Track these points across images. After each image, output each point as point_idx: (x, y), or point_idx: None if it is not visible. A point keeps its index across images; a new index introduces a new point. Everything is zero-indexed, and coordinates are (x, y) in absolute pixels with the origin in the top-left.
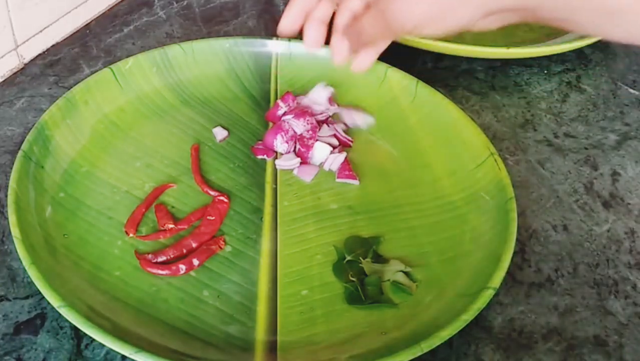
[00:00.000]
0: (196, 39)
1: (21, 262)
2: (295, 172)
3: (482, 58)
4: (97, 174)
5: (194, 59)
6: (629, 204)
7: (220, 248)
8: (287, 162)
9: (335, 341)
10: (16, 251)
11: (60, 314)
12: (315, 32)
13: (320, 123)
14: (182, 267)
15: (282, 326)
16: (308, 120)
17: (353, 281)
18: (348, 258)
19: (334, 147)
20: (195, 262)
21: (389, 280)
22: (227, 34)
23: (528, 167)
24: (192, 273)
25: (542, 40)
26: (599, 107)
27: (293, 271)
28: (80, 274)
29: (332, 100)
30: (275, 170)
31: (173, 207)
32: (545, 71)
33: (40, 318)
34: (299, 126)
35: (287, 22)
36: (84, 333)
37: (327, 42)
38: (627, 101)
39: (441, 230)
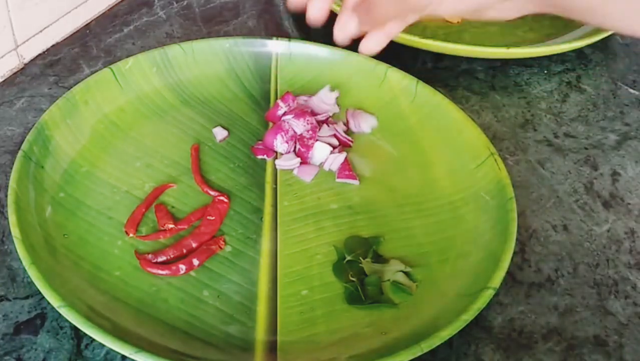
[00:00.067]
0: (196, 39)
1: (21, 262)
2: (295, 172)
3: (482, 58)
4: (97, 174)
5: (194, 59)
6: (629, 204)
7: (220, 248)
8: (287, 162)
9: (335, 341)
10: (16, 251)
11: (60, 314)
12: (319, 4)
13: (320, 123)
14: (182, 267)
15: (282, 326)
16: (308, 120)
17: (353, 281)
18: (348, 258)
19: (334, 147)
20: (195, 262)
21: (389, 280)
22: (227, 34)
23: (528, 167)
24: (192, 273)
25: (542, 40)
26: (599, 107)
27: (293, 271)
28: (80, 274)
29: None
30: (275, 170)
31: (173, 207)
32: (545, 71)
33: (40, 318)
34: (299, 126)
35: None
36: (84, 333)
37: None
38: (627, 101)
39: (441, 230)
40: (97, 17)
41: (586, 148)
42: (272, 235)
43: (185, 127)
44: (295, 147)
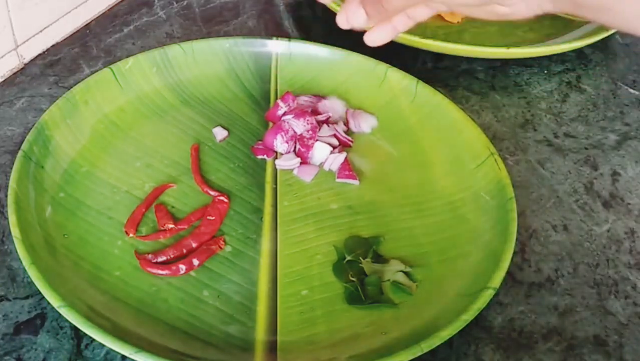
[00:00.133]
0: (196, 39)
1: (21, 262)
2: (295, 172)
3: (482, 58)
4: (97, 174)
5: (194, 59)
6: (629, 204)
7: (220, 248)
8: (287, 162)
9: (335, 341)
10: (16, 251)
11: (60, 314)
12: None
13: (320, 123)
14: (182, 267)
15: (282, 326)
16: (308, 120)
17: (353, 281)
18: (348, 258)
19: (334, 147)
20: (195, 262)
21: (389, 280)
22: (227, 34)
23: (528, 167)
24: (192, 273)
25: (542, 40)
26: (599, 107)
27: (293, 271)
28: (80, 274)
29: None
30: (275, 170)
31: (173, 207)
32: (545, 71)
33: (40, 318)
34: (299, 126)
35: None
36: (84, 333)
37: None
38: (627, 101)
39: (441, 230)
40: (97, 17)
41: (586, 148)
42: (272, 235)
43: (185, 127)
44: (295, 147)
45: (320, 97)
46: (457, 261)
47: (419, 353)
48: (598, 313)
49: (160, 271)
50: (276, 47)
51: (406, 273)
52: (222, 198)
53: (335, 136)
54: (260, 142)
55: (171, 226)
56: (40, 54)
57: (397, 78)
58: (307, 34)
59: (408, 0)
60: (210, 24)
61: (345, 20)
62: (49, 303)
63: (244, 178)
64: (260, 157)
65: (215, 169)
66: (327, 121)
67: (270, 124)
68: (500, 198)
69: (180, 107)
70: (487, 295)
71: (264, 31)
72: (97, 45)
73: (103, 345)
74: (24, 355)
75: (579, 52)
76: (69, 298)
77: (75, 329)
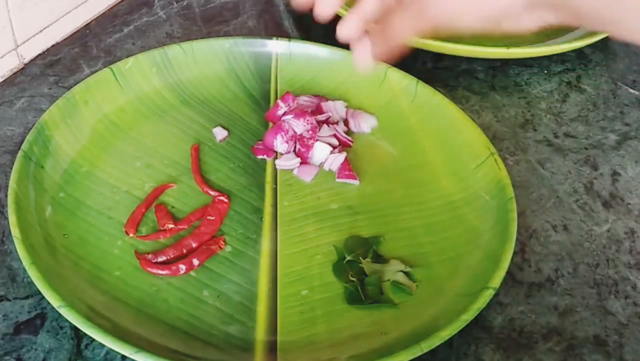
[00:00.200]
0: (196, 39)
1: (21, 262)
2: (295, 172)
3: (482, 58)
4: (97, 174)
5: (194, 59)
6: (629, 204)
7: (220, 248)
8: (287, 162)
9: (335, 341)
10: (16, 251)
11: (60, 314)
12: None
13: (320, 123)
14: (182, 267)
15: (282, 326)
16: (308, 120)
17: (353, 281)
18: (348, 258)
19: (334, 147)
20: (195, 262)
21: (389, 280)
22: (227, 34)
23: (528, 167)
24: (192, 273)
25: (542, 40)
26: (599, 107)
27: (293, 271)
28: (80, 274)
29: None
30: (275, 170)
31: (173, 207)
32: (545, 71)
33: (40, 318)
34: (299, 126)
35: None
36: (84, 333)
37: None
38: (627, 101)
39: (441, 230)
40: (97, 17)
41: (586, 148)
42: (272, 235)
43: (185, 127)
44: (295, 147)
45: (321, 97)
46: (457, 261)
47: (419, 353)
48: (598, 313)
49: (160, 271)
50: (276, 47)
51: (406, 273)
52: (222, 198)
53: (335, 136)
54: (260, 142)
55: (171, 226)
56: (40, 54)
57: (397, 78)
58: (307, 34)
59: (415, 29)
60: (210, 24)
61: (359, 53)
62: (49, 303)
63: (244, 178)
64: (260, 157)
65: (215, 169)
66: (327, 121)
67: (270, 124)
68: (500, 198)
69: (180, 107)
70: (487, 295)
71: (264, 31)
72: (97, 45)
73: (103, 345)
74: (24, 355)
75: (579, 52)
76: (69, 298)
77: (75, 329)
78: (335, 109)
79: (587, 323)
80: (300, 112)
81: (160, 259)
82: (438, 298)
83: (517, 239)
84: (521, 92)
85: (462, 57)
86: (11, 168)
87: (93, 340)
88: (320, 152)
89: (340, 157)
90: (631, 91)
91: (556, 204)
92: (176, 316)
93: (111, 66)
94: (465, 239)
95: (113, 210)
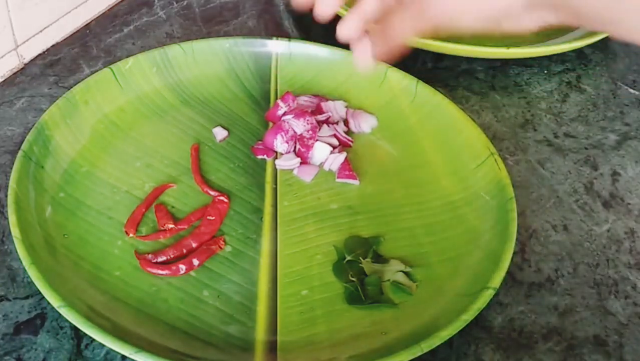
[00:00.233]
0: (196, 39)
1: (21, 262)
2: (295, 172)
3: (482, 58)
4: (97, 174)
5: (194, 59)
6: (629, 204)
7: (220, 248)
8: (287, 162)
9: (335, 341)
10: (16, 251)
11: (60, 314)
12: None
13: (320, 123)
14: (182, 267)
15: (282, 326)
16: (308, 120)
17: (353, 281)
18: (348, 258)
19: (334, 147)
20: (195, 262)
21: (389, 280)
22: (227, 34)
23: (528, 167)
24: (192, 273)
25: (542, 40)
26: (599, 107)
27: (293, 271)
28: (80, 274)
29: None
30: (275, 170)
31: (173, 207)
32: (545, 71)
33: (40, 318)
34: (299, 126)
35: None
36: (84, 333)
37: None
38: (627, 101)
39: (441, 230)
40: (97, 17)
41: (586, 148)
42: (272, 235)
43: (185, 127)
44: (295, 147)
45: (321, 97)
46: (457, 261)
47: (419, 353)
48: (598, 313)
49: (160, 271)
50: (276, 47)
51: (406, 273)
52: (222, 198)
53: (335, 136)
54: (260, 142)
55: (171, 226)
56: (40, 54)
57: (397, 78)
58: (307, 34)
59: (414, 30)
60: (210, 24)
61: (359, 53)
62: (49, 303)
63: (244, 178)
64: (260, 157)
65: (215, 169)
66: (327, 121)
67: (270, 124)
68: (500, 198)
69: (180, 107)
70: (487, 295)
71: (264, 31)
72: (97, 45)
73: (103, 345)
74: (24, 355)
75: (579, 52)
76: (69, 298)
77: (75, 329)
78: (335, 109)
79: (587, 323)
80: (300, 112)
81: (160, 259)
82: (438, 298)
83: (517, 239)
84: (521, 92)
85: (462, 57)
86: (11, 168)
87: (93, 340)
88: (320, 152)
89: (340, 157)
90: (631, 91)
91: (556, 204)
92: (176, 316)
93: (111, 66)
94: (465, 239)
95: (113, 210)
